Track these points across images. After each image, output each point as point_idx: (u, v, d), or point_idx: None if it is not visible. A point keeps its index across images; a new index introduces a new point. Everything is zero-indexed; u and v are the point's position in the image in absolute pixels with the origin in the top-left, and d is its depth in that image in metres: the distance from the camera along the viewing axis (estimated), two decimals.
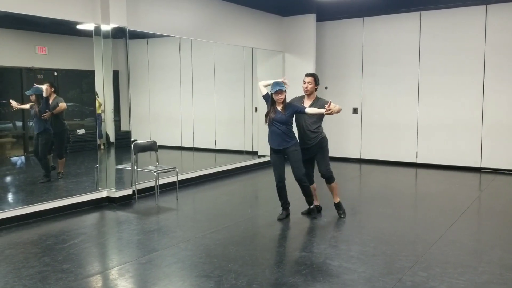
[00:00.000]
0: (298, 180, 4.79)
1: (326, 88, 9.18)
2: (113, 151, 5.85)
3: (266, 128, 4.86)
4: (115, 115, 5.82)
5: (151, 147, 6.18)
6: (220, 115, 9.31)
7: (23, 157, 8.79)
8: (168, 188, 6.36)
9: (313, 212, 5.04)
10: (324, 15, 8.89)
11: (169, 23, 6.60)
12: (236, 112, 9.25)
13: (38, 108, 6.30)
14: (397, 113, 8.52)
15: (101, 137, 5.99)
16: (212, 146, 9.29)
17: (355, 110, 8.95)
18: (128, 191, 5.87)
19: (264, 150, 7.57)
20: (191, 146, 8.83)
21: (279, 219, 4.89)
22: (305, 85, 4.91)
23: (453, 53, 7.91)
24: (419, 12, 8.18)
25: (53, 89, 6.56)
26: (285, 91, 4.72)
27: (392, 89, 8.55)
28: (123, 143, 6.06)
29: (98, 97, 5.95)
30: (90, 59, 5.79)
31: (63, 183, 6.66)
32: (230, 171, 7.82)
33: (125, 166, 6.02)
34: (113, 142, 5.84)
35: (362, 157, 8.97)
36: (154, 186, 5.96)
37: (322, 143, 4.96)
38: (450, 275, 3.44)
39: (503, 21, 7.52)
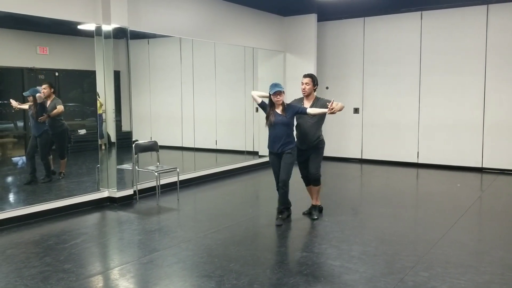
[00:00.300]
0: (282, 182, 4.65)
1: (327, 88, 9.18)
2: (114, 151, 5.85)
3: (267, 128, 4.84)
4: (116, 115, 5.83)
5: (152, 147, 6.19)
6: (221, 115, 9.31)
7: (24, 157, 8.80)
8: (169, 188, 6.36)
9: (282, 219, 4.82)
10: (325, 15, 8.88)
11: (170, 23, 6.60)
12: (237, 112, 9.25)
13: (35, 110, 6.27)
14: (398, 113, 8.51)
15: (102, 137, 5.99)
16: (213, 146, 9.29)
17: (356, 110, 8.95)
18: (129, 191, 5.88)
19: (265, 150, 7.55)
20: (192, 146, 8.83)
21: (278, 225, 4.71)
22: (303, 86, 4.86)
23: (454, 53, 7.90)
24: (420, 12, 8.17)
25: (52, 90, 6.52)
26: (284, 92, 4.66)
27: (393, 89, 8.54)
28: (124, 143, 6.06)
29: (99, 97, 5.95)
30: (91, 59, 5.79)
31: (64, 183, 6.66)
32: (231, 171, 7.82)
33: (126, 166, 6.02)
34: (114, 142, 5.84)
35: (363, 157, 8.96)
36: (155, 186, 5.96)
37: (319, 144, 4.93)
38: (451, 275, 3.43)
39: (504, 21, 7.51)
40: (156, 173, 5.79)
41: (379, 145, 8.76)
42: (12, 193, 6.25)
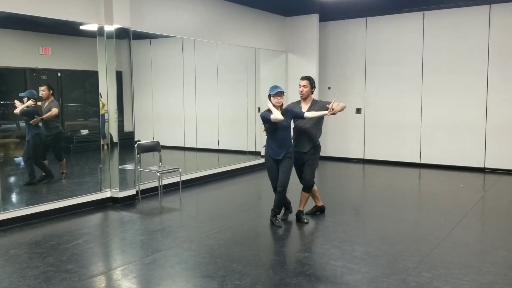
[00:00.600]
0: (282, 186, 4.58)
1: (329, 88, 9.18)
2: (116, 152, 5.86)
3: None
4: (118, 116, 5.83)
5: (155, 147, 6.19)
6: (223, 115, 9.32)
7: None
8: (171, 188, 6.37)
9: (283, 219, 4.88)
10: (327, 15, 8.88)
11: (172, 24, 6.61)
12: (239, 113, 9.25)
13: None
14: (401, 113, 8.50)
15: (104, 137, 6.00)
16: (215, 146, 9.30)
17: (358, 110, 8.94)
18: (132, 192, 5.89)
19: None
20: (194, 146, 8.84)
21: (279, 226, 4.70)
22: (300, 89, 4.77)
23: (457, 53, 7.89)
24: (422, 12, 8.16)
25: (51, 92, 6.46)
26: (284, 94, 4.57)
27: (396, 89, 8.53)
28: (127, 144, 6.07)
29: (101, 97, 5.96)
30: (94, 59, 5.80)
31: (67, 183, 6.68)
32: (233, 172, 7.83)
33: (129, 166, 6.03)
34: (116, 143, 5.85)
35: (365, 158, 8.95)
36: (157, 187, 5.97)
37: (316, 150, 4.82)
38: (454, 275, 3.43)
39: (506, 21, 7.49)
40: (158, 173, 5.80)
41: (381, 145, 8.75)
42: (14, 193, 6.26)
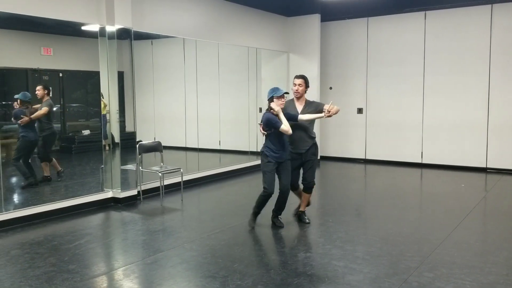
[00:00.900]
0: (287, 189, 4.54)
1: (330, 88, 9.17)
2: (118, 152, 5.87)
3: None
4: (120, 116, 5.84)
5: (156, 147, 6.20)
6: (225, 115, 9.32)
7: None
8: (173, 188, 6.37)
9: (278, 222, 4.75)
10: (329, 15, 8.87)
11: (173, 24, 6.61)
12: (240, 113, 9.25)
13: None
14: (402, 113, 8.49)
15: (106, 137, 6.01)
16: (216, 146, 9.30)
17: (359, 110, 8.93)
18: (133, 192, 5.89)
19: None
20: (196, 146, 8.84)
21: (281, 226, 4.68)
22: (296, 88, 4.62)
23: (458, 53, 7.88)
24: (423, 12, 8.15)
25: (46, 91, 6.40)
26: None
27: (397, 89, 8.52)
28: (128, 144, 6.08)
29: (103, 98, 5.97)
30: (95, 60, 5.81)
31: (67, 183, 6.68)
32: (235, 172, 7.83)
33: (130, 166, 6.04)
34: (118, 143, 5.86)
35: (367, 158, 8.95)
36: (159, 187, 5.98)
37: (315, 150, 4.76)
38: (456, 275, 3.42)
39: (508, 20, 7.47)
40: (160, 174, 5.80)
41: (383, 145, 8.74)
42: (16, 194, 6.27)
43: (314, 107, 4.64)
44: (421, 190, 7.01)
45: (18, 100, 6.21)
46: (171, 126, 9.58)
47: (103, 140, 6.01)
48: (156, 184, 6.14)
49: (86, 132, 10.05)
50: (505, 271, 3.52)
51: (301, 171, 4.82)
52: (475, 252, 3.97)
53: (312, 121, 4.67)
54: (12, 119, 6.32)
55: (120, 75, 5.91)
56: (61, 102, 9.96)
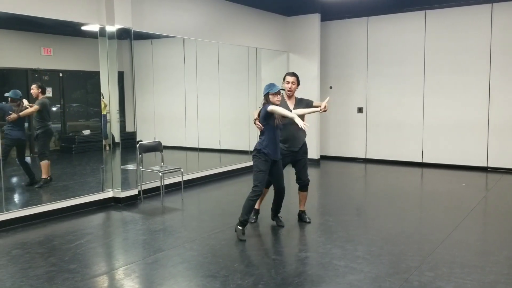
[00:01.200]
0: (284, 188, 4.51)
1: (330, 87, 9.17)
2: (118, 152, 5.87)
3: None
4: (120, 116, 5.84)
5: (156, 147, 6.20)
6: (225, 115, 9.32)
7: (29, 158, 8.83)
8: (173, 188, 6.37)
9: (280, 221, 4.74)
10: (329, 15, 8.87)
11: (173, 24, 6.61)
12: (240, 112, 9.25)
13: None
14: (403, 113, 8.49)
15: (106, 137, 6.01)
16: (216, 146, 9.30)
17: (360, 110, 8.93)
18: (134, 192, 5.89)
19: None
20: (196, 146, 8.84)
21: (281, 226, 4.66)
22: (289, 85, 4.56)
23: (459, 52, 7.87)
24: (424, 11, 8.14)
25: (40, 90, 6.35)
26: None
27: (397, 89, 8.52)
28: (128, 144, 6.07)
29: (103, 98, 5.97)
30: (95, 60, 5.81)
31: (69, 183, 6.67)
32: (235, 171, 7.83)
33: (131, 166, 6.04)
34: (118, 143, 5.86)
35: (367, 157, 8.94)
36: (159, 186, 5.98)
37: (306, 148, 4.74)
38: (457, 275, 3.42)
39: (508, 19, 7.47)
40: (160, 173, 5.80)
41: (383, 145, 8.74)
42: (16, 194, 6.27)
43: (304, 104, 4.65)
44: (421, 189, 7.00)
45: (9, 98, 6.17)
46: (171, 126, 9.58)
47: (103, 140, 6.01)
48: (157, 183, 6.14)
49: (87, 132, 10.05)
50: (506, 270, 3.52)
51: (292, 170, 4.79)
52: (475, 252, 3.97)
53: (303, 118, 4.61)
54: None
55: (120, 75, 5.91)
56: (61, 102, 9.97)
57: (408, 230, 4.64)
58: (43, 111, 6.36)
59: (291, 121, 4.38)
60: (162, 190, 5.95)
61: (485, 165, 7.79)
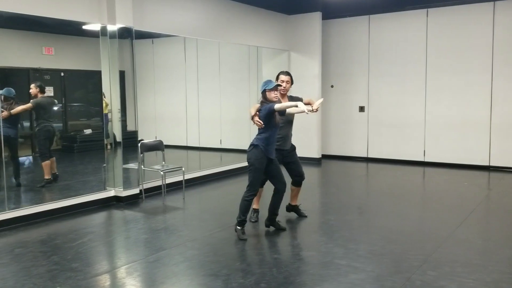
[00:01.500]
0: (284, 185, 4.39)
1: (332, 86, 9.16)
2: (120, 151, 5.87)
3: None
4: (121, 115, 5.84)
5: (158, 146, 6.20)
6: (226, 114, 9.32)
7: (31, 157, 8.85)
8: (174, 187, 6.37)
9: (279, 225, 4.60)
10: (330, 13, 8.86)
11: (174, 23, 6.61)
12: (241, 111, 9.24)
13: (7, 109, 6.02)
14: (404, 111, 8.47)
15: (108, 136, 6.01)
16: (217, 145, 9.30)
17: (361, 109, 8.91)
18: (135, 190, 5.90)
19: None
20: (197, 145, 8.85)
21: (283, 229, 4.57)
22: (284, 85, 4.52)
23: (461, 50, 7.85)
24: (425, 9, 8.12)
25: (38, 90, 6.33)
26: None
27: (399, 87, 8.50)
28: (130, 143, 6.08)
29: (105, 97, 5.97)
30: (97, 59, 5.81)
31: (71, 182, 6.68)
32: (236, 170, 7.82)
33: (132, 165, 6.04)
34: (120, 142, 5.86)
35: (369, 156, 8.93)
36: (161, 185, 5.98)
37: (294, 146, 4.77)
38: (459, 274, 3.41)
39: (511, 17, 7.44)
40: (161, 172, 5.80)
41: (385, 144, 8.72)
42: (19, 192, 6.27)
43: (296, 101, 4.52)
44: (423, 188, 6.99)
45: (2, 97, 6.14)
46: (172, 125, 9.58)
47: (105, 139, 6.02)
48: (158, 182, 6.14)
49: (88, 131, 10.06)
50: (508, 270, 3.51)
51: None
52: (478, 251, 3.96)
53: (293, 119, 4.65)
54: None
55: (122, 74, 5.91)
56: (63, 102, 9.97)
57: (410, 229, 4.64)
58: (39, 110, 6.34)
59: (290, 121, 4.42)
60: (164, 189, 5.95)
61: (487, 164, 7.78)
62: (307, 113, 3.97)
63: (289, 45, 8.91)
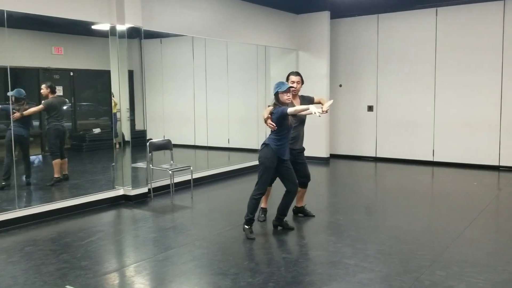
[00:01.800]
0: (295, 191, 4.42)
1: (340, 86, 9.13)
2: (128, 150, 5.91)
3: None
4: (130, 114, 5.88)
5: (166, 145, 6.23)
6: (234, 113, 9.32)
7: (40, 156, 8.94)
8: (183, 186, 6.40)
9: (288, 225, 4.61)
10: (338, 12, 8.82)
11: (182, 23, 6.63)
12: (249, 111, 9.25)
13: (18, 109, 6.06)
14: (413, 111, 8.42)
15: (116, 136, 6.05)
16: (225, 144, 9.31)
17: (370, 108, 8.88)
18: (144, 189, 5.93)
19: None
20: (205, 144, 8.86)
21: (291, 228, 4.57)
22: (294, 85, 4.52)
23: (470, 50, 7.78)
24: (435, 9, 8.06)
25: (48, 90, 6.40)
26: None
27: (408, 87, 8.45)
28: (138, 142, 6.11)
29: (113, 96, 6.01)
30: (106, 59, 5.85)
31: (80, 181, 6.73)
32: (244, 170, 7.83)
33: (141, 164, 6.08)
34: (128, 141, 5.90)
35: (377, 156, 8.89)
36: (169, 184, 6.01)
37: (303, 147, 4.77)
38: (468, 274, 3.39)
39: None
40: (170, 172, 5.83)
41: (394, 143, 8.68)
42: (29, 191, 6.34)
43: (307, 101, 4.64)
44: (432, 188, 6.95)
45: (13, 97, 6.19)
46: (180, 124, 9.61)
47: (113, 138, 6.06)
48: (167, 181, 6.17)
49: (97, 130, 10.13)
50: None
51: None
52: (487, 251, 3.93)
53: (305, 118, 4.65)
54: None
55: (130, 74, 5.94)
56: (72, 101, 10.06)
57: (419, 229, 4.61)
58: (50, 110, 6.42)
59: (302, 121, 4.45)
60: (172, 188, 5.98)
61: (497, 164, 7.70)
62: (319, 116, 3.96)
63: (298, 44, 8.89)
